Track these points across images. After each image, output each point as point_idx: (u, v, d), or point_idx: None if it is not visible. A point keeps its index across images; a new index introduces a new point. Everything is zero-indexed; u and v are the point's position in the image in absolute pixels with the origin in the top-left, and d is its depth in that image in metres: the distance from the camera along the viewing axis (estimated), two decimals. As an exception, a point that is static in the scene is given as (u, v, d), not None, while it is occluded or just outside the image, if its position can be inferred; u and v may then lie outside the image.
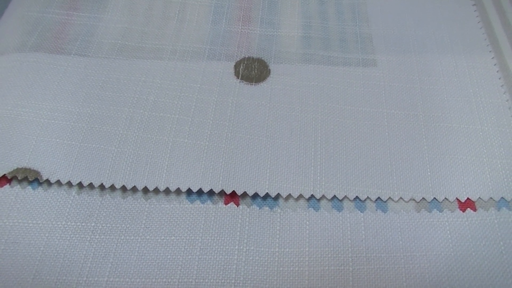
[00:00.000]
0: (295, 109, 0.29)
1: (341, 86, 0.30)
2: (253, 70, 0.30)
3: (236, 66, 0.31)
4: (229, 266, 0.23)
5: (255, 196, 0.26)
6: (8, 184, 0.25)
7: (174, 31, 0.33)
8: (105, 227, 0.24)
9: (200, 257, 0.23)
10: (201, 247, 0.24)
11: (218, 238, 0.24)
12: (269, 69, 0.31)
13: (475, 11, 0.35)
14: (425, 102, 0.29)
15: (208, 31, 0.33)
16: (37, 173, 0.25)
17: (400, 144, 0.27)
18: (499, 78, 0.30)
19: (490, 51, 0.32)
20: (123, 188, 0.25)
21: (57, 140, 0.27)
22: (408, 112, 0.29)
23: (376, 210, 0.25)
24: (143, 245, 0.24)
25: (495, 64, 0.31)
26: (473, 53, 0.32)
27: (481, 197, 0.25)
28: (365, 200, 0.26)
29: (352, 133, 0.28)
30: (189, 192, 0.25)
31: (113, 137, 0.27)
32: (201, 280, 0.23)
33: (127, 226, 0.24)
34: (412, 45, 0.32)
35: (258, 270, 0.23)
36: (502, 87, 0.30)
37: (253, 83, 0.30)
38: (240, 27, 0.33)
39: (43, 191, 0.25)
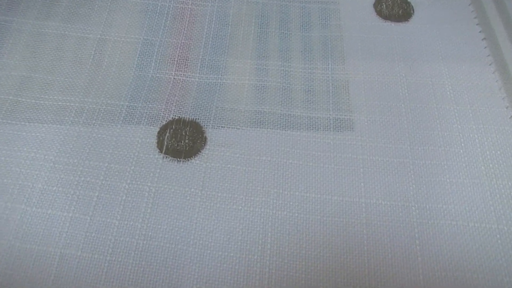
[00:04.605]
0: (237, 201, 0.21)
1: (304, 163, 0.22)
2: (182, 140, 0.22)
3: (160, 134, 0.23)
4: None
5: None
6: None
7: (86, 79, 0.25)
8: None
9: None
10: None
11: None
12: (205, 137, 0.22)
13: (488, 56, 0.26)
14: (418, 187, 0.21)
15: (130, 79, 0.25)
16: None
17: (383, 254, 0.19)
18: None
19: (509, 112, 0.23)
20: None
21: None
22: (395, 203, 0.20)
23: None
24: None
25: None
26: (487, 114, 0.23)
27: None
28: None
29: (314, 238, 0.20)
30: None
31: (-22, 249, 0.19)
32: None
33: None
34: (402, 97, 0.24)
35: None
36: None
37: (181, 159, 0.22)
38: (173, 73, 0.25)
39: None
